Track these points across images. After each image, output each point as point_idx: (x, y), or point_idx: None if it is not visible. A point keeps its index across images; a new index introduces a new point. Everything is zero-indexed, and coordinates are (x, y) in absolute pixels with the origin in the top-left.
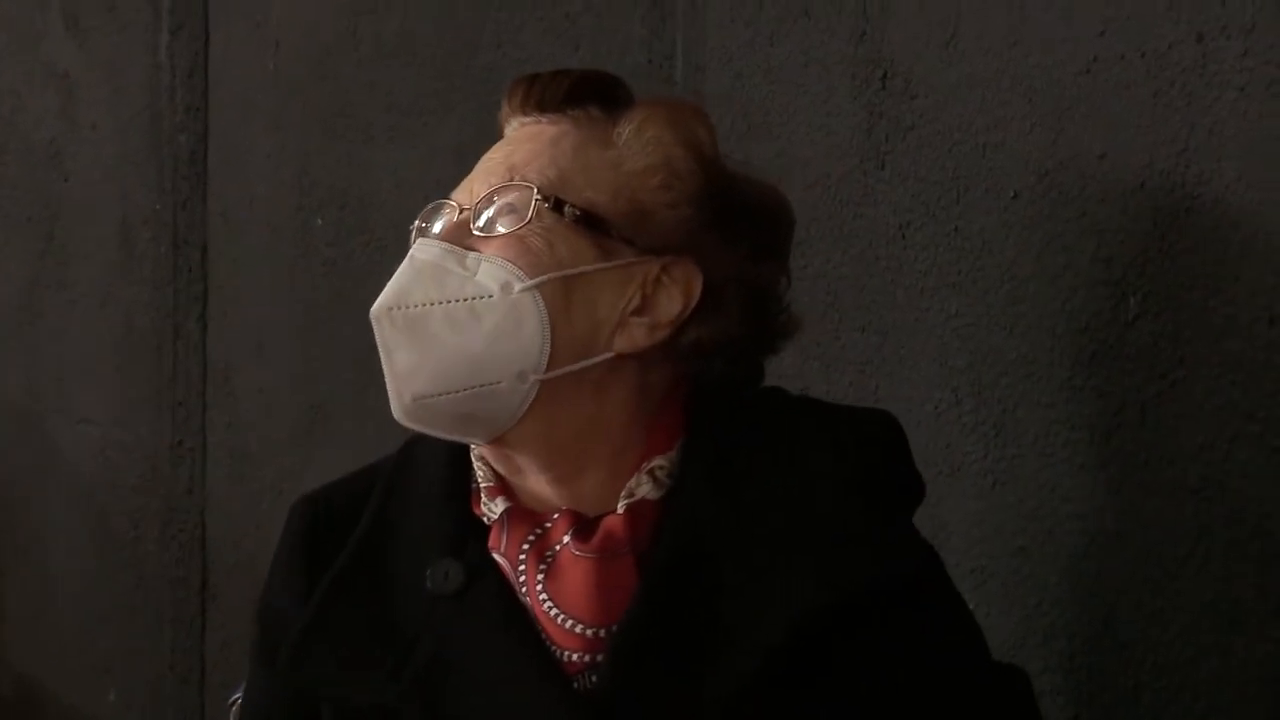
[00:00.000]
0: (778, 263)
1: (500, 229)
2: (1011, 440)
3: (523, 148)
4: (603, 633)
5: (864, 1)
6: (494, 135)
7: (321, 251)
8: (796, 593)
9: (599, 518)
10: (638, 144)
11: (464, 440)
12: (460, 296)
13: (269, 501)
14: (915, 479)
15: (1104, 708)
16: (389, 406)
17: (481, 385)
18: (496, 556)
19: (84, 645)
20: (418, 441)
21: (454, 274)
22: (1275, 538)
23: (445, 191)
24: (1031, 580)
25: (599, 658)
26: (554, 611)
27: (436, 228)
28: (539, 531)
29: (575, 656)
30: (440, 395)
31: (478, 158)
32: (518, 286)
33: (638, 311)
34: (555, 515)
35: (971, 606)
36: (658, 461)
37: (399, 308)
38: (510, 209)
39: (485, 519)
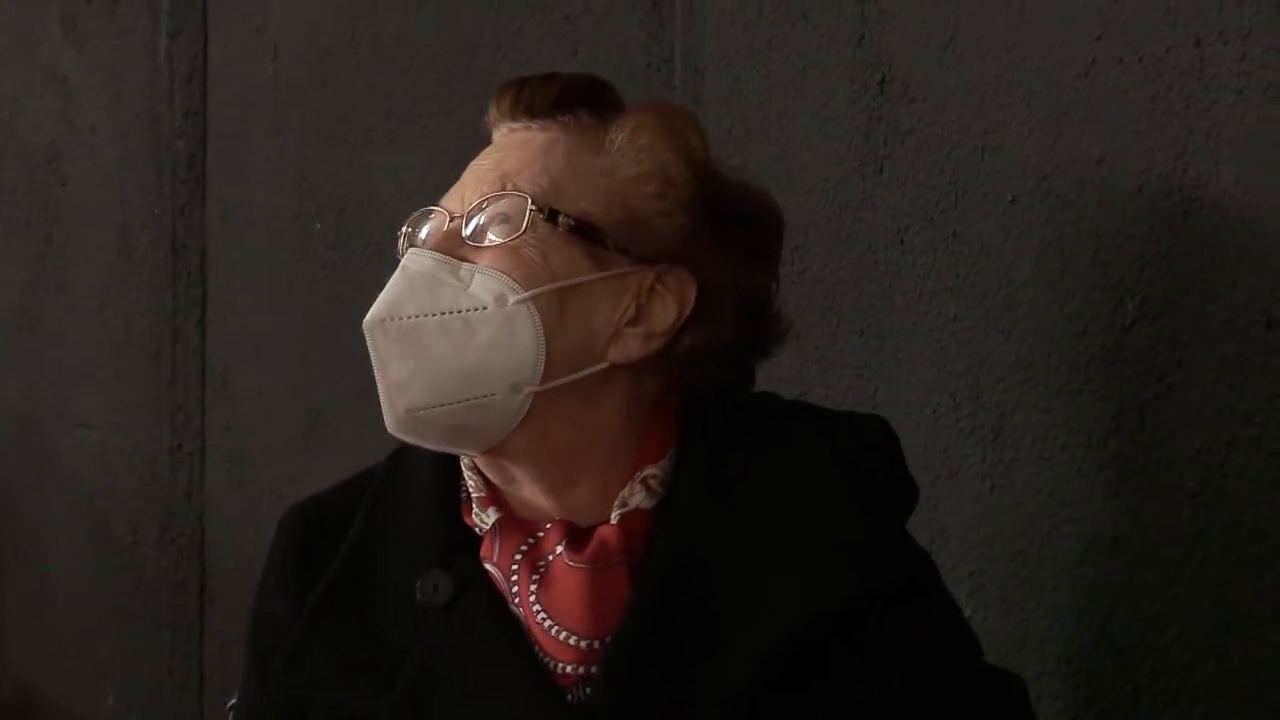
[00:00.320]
0: (769, 267)
1: (492, 238)
2: (1009, 444)
3: (513, 155)
4: (597, 644)
5: (862, 5)
6: None
7: (321, 256)
8: (790, 598)
9: (592, 528)
10: (630, 151)
11: (456, 452)
12: (455, 309)
13: (268, 506)
14: (909, 484)
15: (1101, 712)
16: None
17: (475, 398)
18: (489, 567)
19: (83, 649)
20: (408, 447)
21: (448, 285)
22: (1273, 541)
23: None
24: (1029, 584)
25: (593, 669)
26: (547, 623)
27: (424, 234)
28: (531, 541)
29: (570, 668)
30: (434, 408)
31: None
32: (512, 299)
33: (632, 322)
34: (548, 525)
35: (969, 610)
36: (650, 470)
37: (392, 319)
38: (503, 218)
39: (477, 529)
